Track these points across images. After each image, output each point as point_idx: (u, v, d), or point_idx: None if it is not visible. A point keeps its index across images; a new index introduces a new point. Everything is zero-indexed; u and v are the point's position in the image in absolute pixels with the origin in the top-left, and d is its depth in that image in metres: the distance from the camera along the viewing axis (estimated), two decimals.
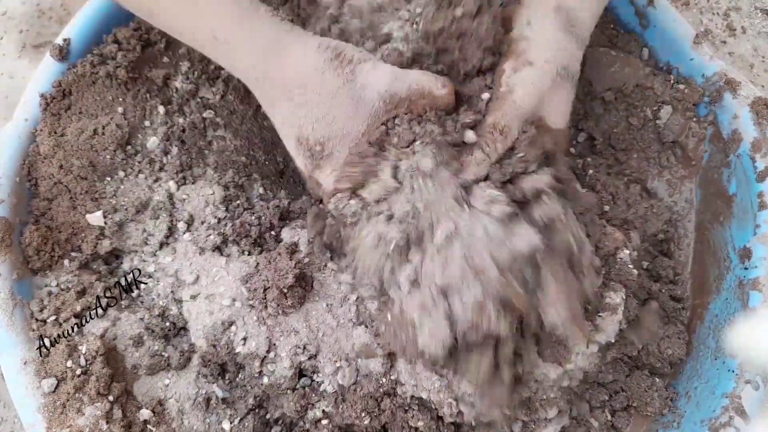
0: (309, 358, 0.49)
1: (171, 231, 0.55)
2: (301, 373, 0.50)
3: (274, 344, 0.49)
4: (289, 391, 0.49)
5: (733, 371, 0.52)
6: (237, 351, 0.50)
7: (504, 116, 0.47)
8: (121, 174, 0.55)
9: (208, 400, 0.50)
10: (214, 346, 0.50)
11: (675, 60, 0.63)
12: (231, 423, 0.49)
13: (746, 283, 0.54)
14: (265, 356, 0.49)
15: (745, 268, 0.55)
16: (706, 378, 0.54)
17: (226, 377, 0.51)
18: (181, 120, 0.58)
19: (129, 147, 0.56)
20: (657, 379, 0.56)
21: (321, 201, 0.51)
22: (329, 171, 0.48)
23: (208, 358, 0.50)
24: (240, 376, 0.51)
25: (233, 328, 0.50)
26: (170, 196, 0.56)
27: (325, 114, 0.46)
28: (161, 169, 0.57)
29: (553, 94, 0.49)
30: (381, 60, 0.48)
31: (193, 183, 0.56)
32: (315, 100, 0.46)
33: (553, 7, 0.49)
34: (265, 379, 0.49)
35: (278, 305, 0.48)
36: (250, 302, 0.50)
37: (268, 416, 0.51)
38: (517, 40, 0.49)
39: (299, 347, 0.49)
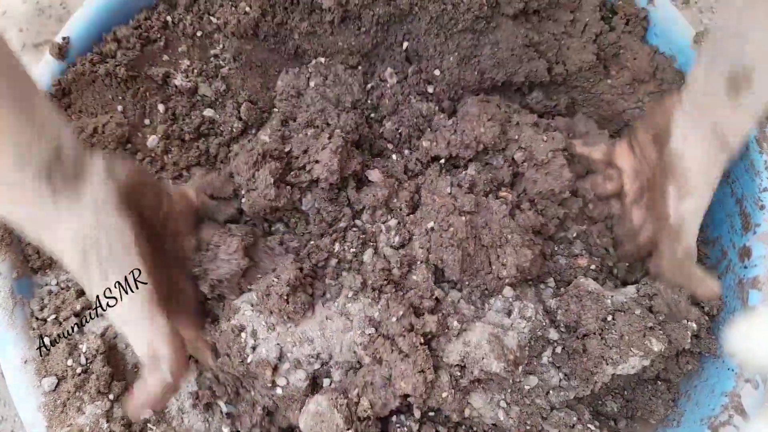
0: (322, 365, 0.49)
1: None
2: (314, 381, 0.49)
3: (286, 354, 0.48)
4: (301, 402, 0.48)
5: (732, 370, 0.52)
6: (249, 360, 0.48)
7: (689, 242, 0.51)
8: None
9: (208, 404, 0.50)
10: (228, 355, 0.48)
11: (675, 58, 0.63)
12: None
13: (746, 281, 0.54)
14: (276, 365, 0.48)
15: (745, 267, 0.55)
16: (705, 377, 0.54)
17: (235, 391, 0.50)
18: (181, 119, 0.58)
19: (129, 145, 0.56)
20: (660, 383, 0.56)
21: None
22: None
23: (221, 372, 0.50)
24: (249, 390, 0.50)
25: (243, 335, 0.49)
26: None
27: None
28: (162, 168, 0.57)
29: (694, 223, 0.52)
30: None
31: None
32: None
33: (710, 128, 0.50)
34: (279, 391, 0.48)
35: (281, 311, 0.48)
36: (258, 307, 0.49)
37: (272, 430, 0.50)
38: (676, 158, 0.51)
39: (312, 356, 0.48)
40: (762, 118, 0.52)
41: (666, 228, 0.52)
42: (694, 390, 0.55)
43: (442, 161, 0.58)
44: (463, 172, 0.56)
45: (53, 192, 0.38)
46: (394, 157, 0.59)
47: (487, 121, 0.56)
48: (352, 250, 0.53)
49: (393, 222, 0.54)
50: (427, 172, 0.57)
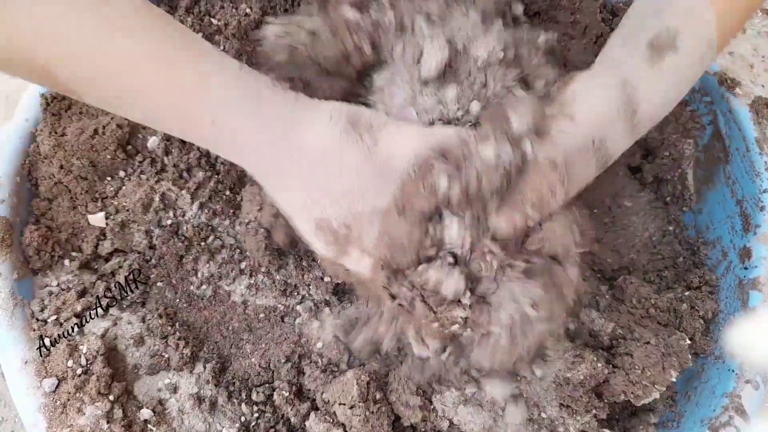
0: None
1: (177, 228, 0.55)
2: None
3: None
4: None
5: (733, 371, 0.52)
6: None
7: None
8: (122, 174, 0.55)
9: (213, 403, 0.50)
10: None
11: None
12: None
13: (746, 282, 0.54)
14: None
15: (745, 268, 0.55)
16: (706, 377, 0.54)
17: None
18: None
19: (129, 147, 0.56)
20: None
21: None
22: (358, 254, 0.42)
23: None
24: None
25: None
26: (170, 197, 0.56)
27: (349, 192, 0.40)
28: (162, 169, 0.57)
29: (575, 160, 0.42)
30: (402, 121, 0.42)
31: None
32: (335, 179, 0.40)
33: (620, 81, 0.43)
34: None
35: None
36: None
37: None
38: (566, 89, 0.44)
39: None
40: (686, 90, 0.46)
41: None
42: (694, 391, 0.55)
43: None
44: None
45: (293, 96, 0.41)
46: None
47: None
48: None
49: None
50: None
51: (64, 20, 0.35)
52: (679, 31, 0.43)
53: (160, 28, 0.38)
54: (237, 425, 0.50)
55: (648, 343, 0.49)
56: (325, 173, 0.40)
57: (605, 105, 0.43)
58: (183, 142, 0.58)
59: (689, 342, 0.51)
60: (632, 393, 0.47)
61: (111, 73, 0.37)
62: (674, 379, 0.48)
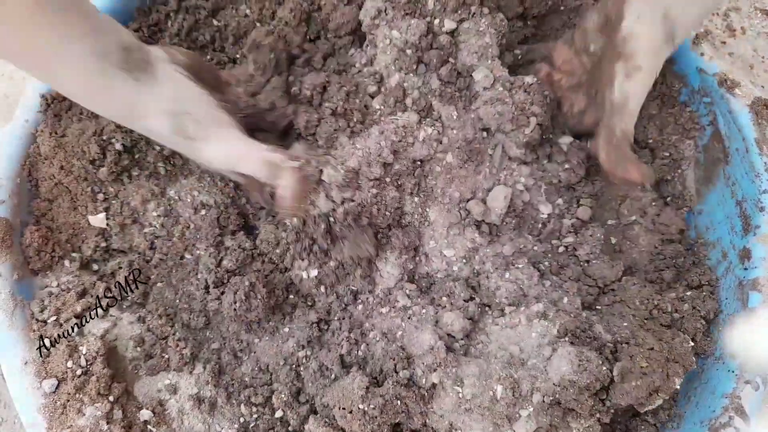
0: None
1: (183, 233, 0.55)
2: None
3: None
4: None
5: (733, 371, 0.52)
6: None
7: (628, 124, 0.54)
8: (123, 174, 0.55)
9: (212, 404, 0.50)
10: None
11: (675, 60, 0.63)
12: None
13: (746, 283, 0.54)
14: None
15: (745, 269, 0.55)
16: (706, 378, 0.54)
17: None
18: None
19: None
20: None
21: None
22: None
23: None
24: None
25: None
26: (170, 198, 0.56)
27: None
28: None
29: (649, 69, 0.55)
30: None
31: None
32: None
33: (662, 14, 0.52)
34: None
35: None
36: None
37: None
38: (627, 38, 0.54)
39: None
40: (709, 12, 0.57)
41: (609, 110, 0.55)
42: (694, 391, 0.55)
43: None
44: None
45: (135, 79, 0.46)
46: None
47: None
48: None
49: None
50: None
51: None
52: None
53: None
54: (236, 426, 0.50)
55: (652, 349, 0.49)
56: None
57: (658, 43, 0.54)
58: None
59: (692, 344, 0.51)
60: (637, 400, 0.47)
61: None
62: (678, 387, 0.48)
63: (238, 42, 0.61)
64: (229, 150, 0.50)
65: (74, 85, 0.45)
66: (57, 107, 0.55)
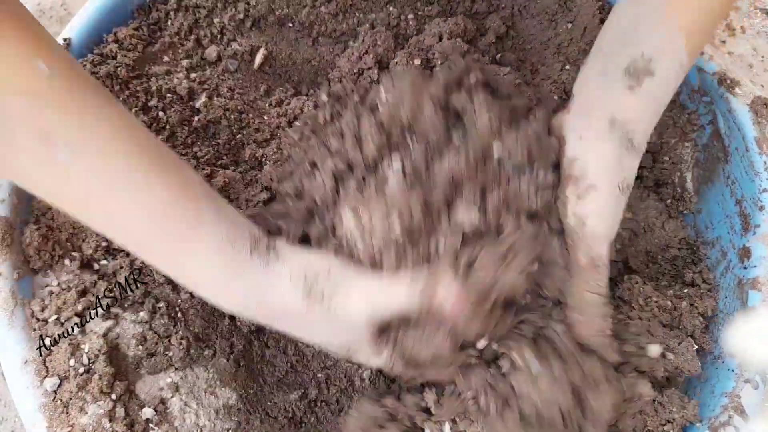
0: None
1: None
2: None
3: None
4: None
5: (732, 370, 0.52)
6: None
7: (590, 250, 0.46)
8: None
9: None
10: None
11: None
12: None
13: (745, 282, 0.55)
14: None
15: (744, 268, 0.55)
16: (705, 377, 0.54)
17: None
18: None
19: None
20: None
21: None
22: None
23: None
24: None
25: None
26: None
27: (326, 343, 0.47)
28: None
29: (612, 212, 0.48)
30: (358, 271, 0.46)
31: None
32: (306, 335, 0.47)
33: (608, 121, 0.47)
34: None
35: None
36: None
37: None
38: (572, 159, 0.48)
39: None
40: (664, 105, 0.49)
41: (571, 246, 0.48)
42: (693, 391, 0.55)
43: None
44: None
45: (264, 261, 0.44)
46: None
47: None
48: None
49: None
50: None
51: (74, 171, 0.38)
52: (653, 57, 0.46)
53: (162, 188, 0.41)
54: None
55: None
56: (297, 330, 0.46)
57: (609, 152, 0.47)
58: (184, 144, 0.58)
59: (695, 347, 0.51)
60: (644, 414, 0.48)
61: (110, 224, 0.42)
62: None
63: (237, 39, 0.61)
64: (368, 289, 0.45)
65: (202, 274, 0.43)
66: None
